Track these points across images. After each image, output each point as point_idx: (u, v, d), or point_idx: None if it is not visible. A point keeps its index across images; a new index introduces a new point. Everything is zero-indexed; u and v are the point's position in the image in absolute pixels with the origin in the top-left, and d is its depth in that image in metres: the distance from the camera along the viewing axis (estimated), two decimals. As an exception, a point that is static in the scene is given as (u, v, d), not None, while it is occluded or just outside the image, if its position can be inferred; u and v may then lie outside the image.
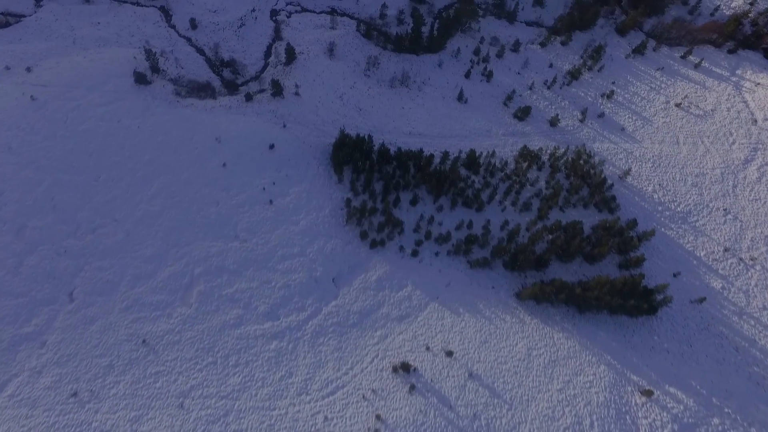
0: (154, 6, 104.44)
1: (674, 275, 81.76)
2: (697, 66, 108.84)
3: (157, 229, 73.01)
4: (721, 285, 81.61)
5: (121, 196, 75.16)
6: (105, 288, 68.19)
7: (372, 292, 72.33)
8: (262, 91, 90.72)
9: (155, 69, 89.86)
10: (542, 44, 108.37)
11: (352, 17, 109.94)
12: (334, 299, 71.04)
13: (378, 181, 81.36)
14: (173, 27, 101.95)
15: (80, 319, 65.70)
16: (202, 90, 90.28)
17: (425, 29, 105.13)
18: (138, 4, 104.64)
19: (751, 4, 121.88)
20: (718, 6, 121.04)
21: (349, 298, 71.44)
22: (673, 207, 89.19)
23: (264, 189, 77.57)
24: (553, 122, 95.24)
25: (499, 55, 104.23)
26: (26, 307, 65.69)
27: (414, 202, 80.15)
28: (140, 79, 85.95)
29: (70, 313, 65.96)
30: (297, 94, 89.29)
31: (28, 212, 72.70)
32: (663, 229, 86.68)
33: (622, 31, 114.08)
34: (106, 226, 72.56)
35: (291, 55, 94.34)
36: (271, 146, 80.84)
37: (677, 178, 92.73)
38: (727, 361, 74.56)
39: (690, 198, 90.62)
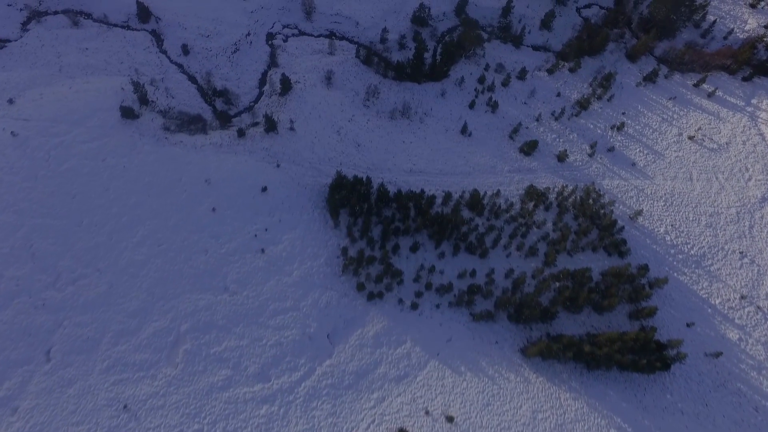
0: (145, 30, 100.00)
1: (688, 325, 77.57)
2: (710, 95, 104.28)
3: (142, 280, 68.89)
4: (738, 336, 77.42)
5: (104, 243, 71.00)
6: (85, 346, 64.08)
7: (369, 349, 68.20)
8: (255, 124, 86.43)
9: (144, 101, 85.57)
10: (550, 71, 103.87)
11: (351, 41, 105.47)
12: (328, 358, 66.91)
13: (377, 225, 77.13)
14: (165, 52, 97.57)
15: (57, 381, 61.61)
16: (193, 123, 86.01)
17: (428, 55, 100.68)
18: (129, 27, 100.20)
19: (767, 27, 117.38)
20: (732, 29, 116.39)
21: (345, 356, 67.31)
22: (686, 250, 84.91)
23: (256, 236, 73.41)
24: (561, 157, 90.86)
25: (505, 84, 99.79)
26: (-1, 369, 61.82)
27: (414, 248, 75.93)
28: (127, 113, 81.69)
29: (46, 375, 61.89)
30: (292, 129, 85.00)
31: (5, 261, 68.51)
32: (675, 274, 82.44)
33: (632, 56, 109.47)
34: (88, 277, 68.43)
35: (286, 86, 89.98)
36: (264, 189, 76.61)
37: (690, 218, 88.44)
38: (746, 422, 70.45)
39: (704, 240, 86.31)
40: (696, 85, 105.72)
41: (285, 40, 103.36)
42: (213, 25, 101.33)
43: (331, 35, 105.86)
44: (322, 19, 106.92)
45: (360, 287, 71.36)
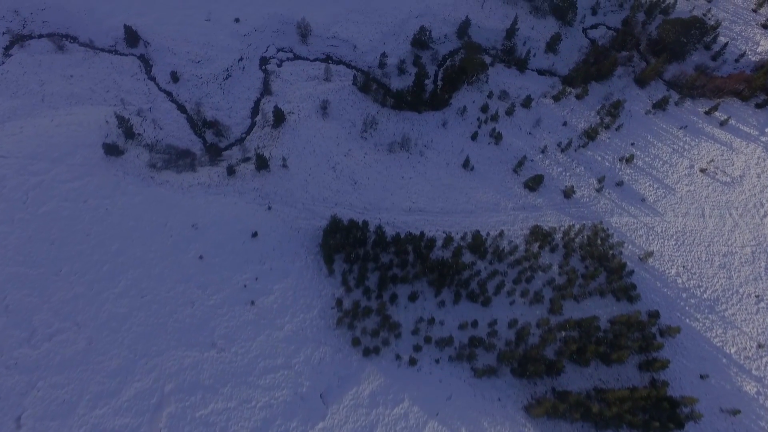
0: (133, 54, 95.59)
1: (701, 377, 73.47)
2: (723, 123, 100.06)
3: (123, 336, 64.74)
4: (755, 389, 73.34)
5: (84, 294, 66.82)
6: (60, 410, 59.88)
7: (364, 409, 64.09)
8: (246, 159, 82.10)
9: (129, 134, 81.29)
10: (556, 98, 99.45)
11: (348, 66, 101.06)
12: (321, 420, 62.79)
13: (373, 272, 72.93)
14: (153, 79, 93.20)
15: (29, 452, 57.68)
16: (181, 157, 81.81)
17: (428, 81, 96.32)
18: (116, 52, 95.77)
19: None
20: (744, 52, 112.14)
21: (339, 418, 63.19)
22: (698, 293, 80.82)
23: (245, 286, 69.21)
24: (568, 193, 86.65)
25: (509, 113, 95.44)
26: (-35, 440, 57.82)
27: (413, 297, 71.79)
28: (111, 150, 77.43)
29: (17, 445, 57.94)
30: (284, 166, 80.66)
31: (-23, 315, 64.61)
32: (688, 320, 78.39)
33: (641, 81, 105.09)
34: (66, 332, 64.28)
35: (279, 117, 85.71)
36: (254, 234, 72.43)
37: (703, 258, 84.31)
38: (764, 487, 66.78)
39: (717, 282, 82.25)
40: (708, 113, 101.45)
41: (279, 65, 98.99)
42: (204, 49, 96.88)
43: (327, 59, 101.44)
44: (319, 42, 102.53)
45: (355, 342, 67.22)
